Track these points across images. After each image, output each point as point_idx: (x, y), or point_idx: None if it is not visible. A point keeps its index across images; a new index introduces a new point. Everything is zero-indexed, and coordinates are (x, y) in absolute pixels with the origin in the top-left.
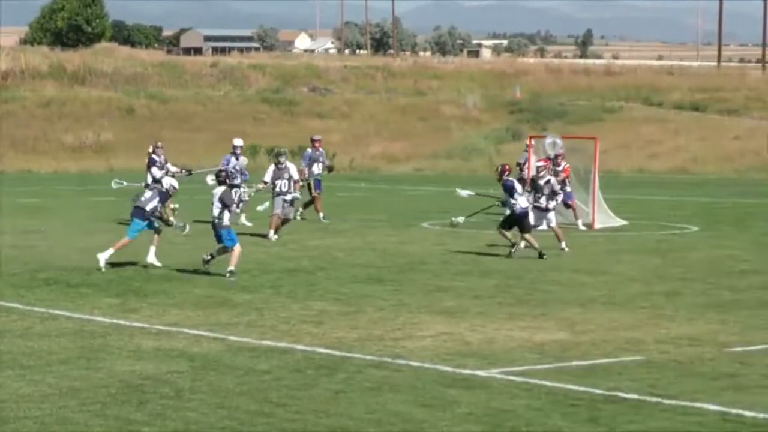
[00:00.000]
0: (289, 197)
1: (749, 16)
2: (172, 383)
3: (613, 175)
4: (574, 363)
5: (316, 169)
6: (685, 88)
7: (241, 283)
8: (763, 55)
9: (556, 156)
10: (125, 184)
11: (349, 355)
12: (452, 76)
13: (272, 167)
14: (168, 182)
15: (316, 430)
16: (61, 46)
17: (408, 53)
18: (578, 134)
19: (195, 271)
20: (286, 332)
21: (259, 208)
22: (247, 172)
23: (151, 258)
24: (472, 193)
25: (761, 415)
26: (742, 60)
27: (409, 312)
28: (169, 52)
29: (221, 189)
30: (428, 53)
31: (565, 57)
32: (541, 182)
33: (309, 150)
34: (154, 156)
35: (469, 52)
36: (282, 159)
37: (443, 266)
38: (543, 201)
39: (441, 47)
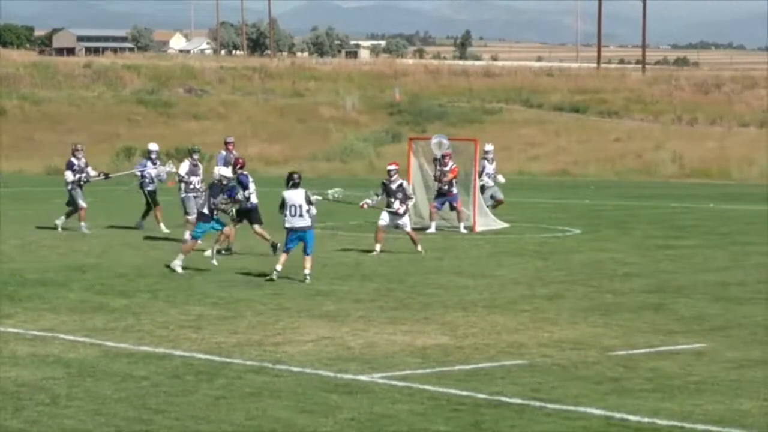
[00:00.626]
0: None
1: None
2: (49, 390)
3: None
4: (457, 367)
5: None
6: (565, 90)
7: (117, 287)
8: (643, 56)
9: (443, 156)
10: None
11: (228, 360)
12: (330, 78)
13: (187, 163)
14: (218, 173)
15: None
16: None
17: (285, 54)
18: (458, 136)
19: (68, 276)
20: (164, 337)
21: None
22: (164, 177)
23: (212, 253)
24: (320, 197)
25: (645, 419)
26: (622, 61)
27: (289, 316)
28: (41, 52)
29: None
30: (306, 54)
31: (444, 58)
32: (393, 186)
33: (223, 152)
34: (72, 159)
35: (347, 53)
36: (196, 156)
37: (323, 269)
38: (396, 205)
39: (319, 48)
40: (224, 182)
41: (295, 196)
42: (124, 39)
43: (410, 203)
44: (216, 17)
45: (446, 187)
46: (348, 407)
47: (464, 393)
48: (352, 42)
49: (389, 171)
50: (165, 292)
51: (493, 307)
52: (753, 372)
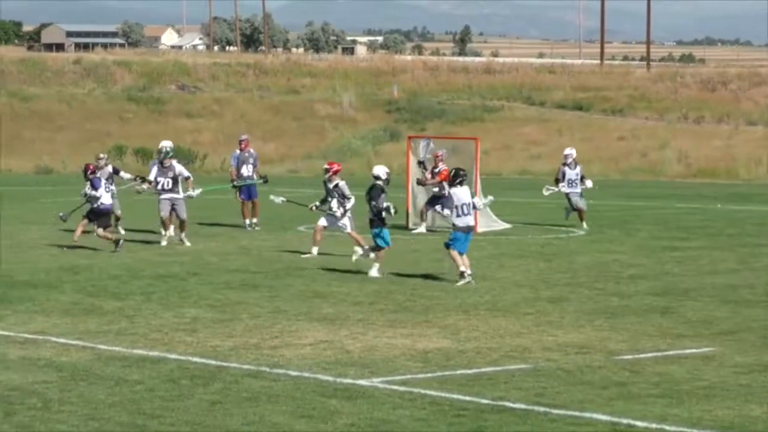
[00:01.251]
0: (180, 196)
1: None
2: (40, 394)
3: (494, 177)
4: (459, 371)
5: (246, 171)
6: (568, 87)
7: (110, 289)
8: (648, 53)
9: (435, 158)
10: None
11: (224, 364)
12: (326, 74)
13: (155, 168)
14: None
15: None
16: None
17: (280, 50)
18: (458, 134)
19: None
20: (158, 341)
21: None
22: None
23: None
24: (284, 199)
25: (653, 425)
26: (626, 58)
27: (286, 319)
28: (30, 48)
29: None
30: (301, 50)
31: (444, 54)
32: (330, 185)
33: (237, 151)
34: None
35: (344, 49)
36: (166, 160)
37: (321, 271)
38: (334, 205)
39: (314, 44)
40: (380, 183)
41: (463, 195)
42: (114, 34)
43: (348, 204)
44: (209, 12)
45: (437, 190)
46: (348, 412)
47: (467, 398)
48: (349, 38)
49: (324, 170)
50: (159, 294)
51: (495, 309)
52: (763, 377)
